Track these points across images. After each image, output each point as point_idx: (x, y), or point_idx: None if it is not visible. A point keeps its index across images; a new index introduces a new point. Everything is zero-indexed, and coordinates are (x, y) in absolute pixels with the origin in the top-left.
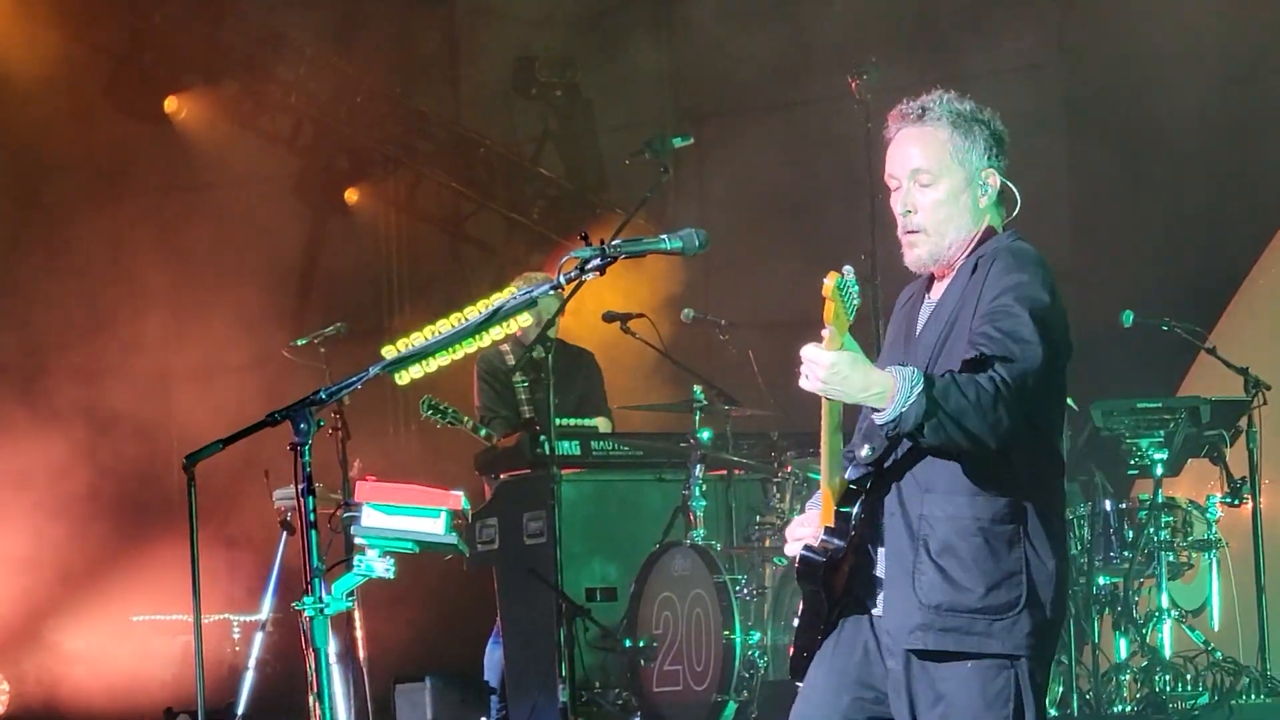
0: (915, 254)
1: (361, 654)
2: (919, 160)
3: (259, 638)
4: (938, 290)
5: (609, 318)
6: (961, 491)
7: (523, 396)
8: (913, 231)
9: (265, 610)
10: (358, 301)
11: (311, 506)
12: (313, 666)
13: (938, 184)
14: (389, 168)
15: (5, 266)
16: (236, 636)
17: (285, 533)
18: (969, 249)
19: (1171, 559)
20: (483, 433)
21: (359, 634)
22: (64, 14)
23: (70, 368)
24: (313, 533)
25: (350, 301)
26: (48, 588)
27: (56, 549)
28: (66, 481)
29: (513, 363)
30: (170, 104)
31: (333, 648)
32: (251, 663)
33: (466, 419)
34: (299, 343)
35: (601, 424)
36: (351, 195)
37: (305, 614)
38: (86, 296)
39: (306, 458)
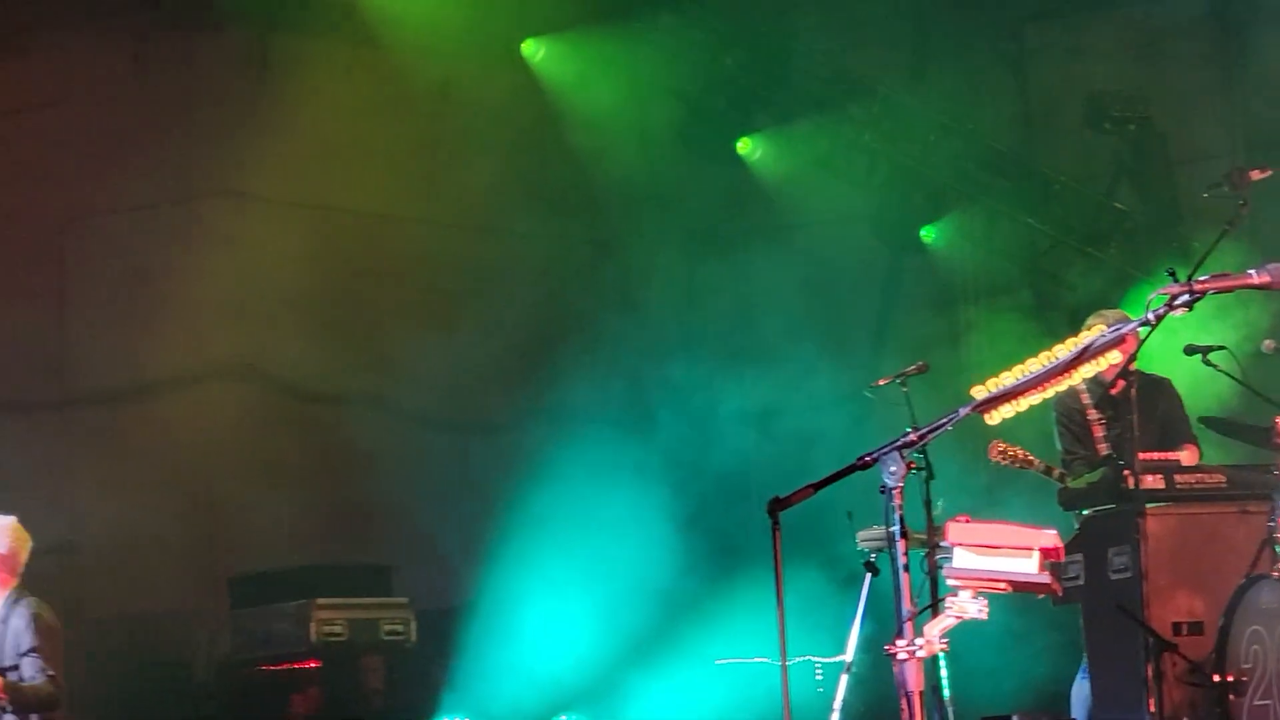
0: None
1: (946, 692)
2: None
3: (844, 680)
4: None
5: (1190, 350)
6: None
7: (1100, 434)
8: None
9: (850, 652)
10: (934, 338)
11: (904, 549)
12: (905, 709)
13: None
14: (964, 205)
15: (582, 301)
16: (819, 678)
17: (869, 574)
18: None
19: None
20: (1055, 475)
21: (943, 672)
22: (637, 58)
23: (651, 410)
24: (906, 575)
25: (927, 339)
26: (634, 630)
27: (646, 592)
28: (654, 524)
29: (1089, 401)
30: (744, 145)
31: (920, 688)
32: (837, 705)
33: (1037, 462)
34: (880, 382)
35: (1186, 453)
36: (928, 233)
37: (898, 657)
38: (661, 335)
39: (899, 500)
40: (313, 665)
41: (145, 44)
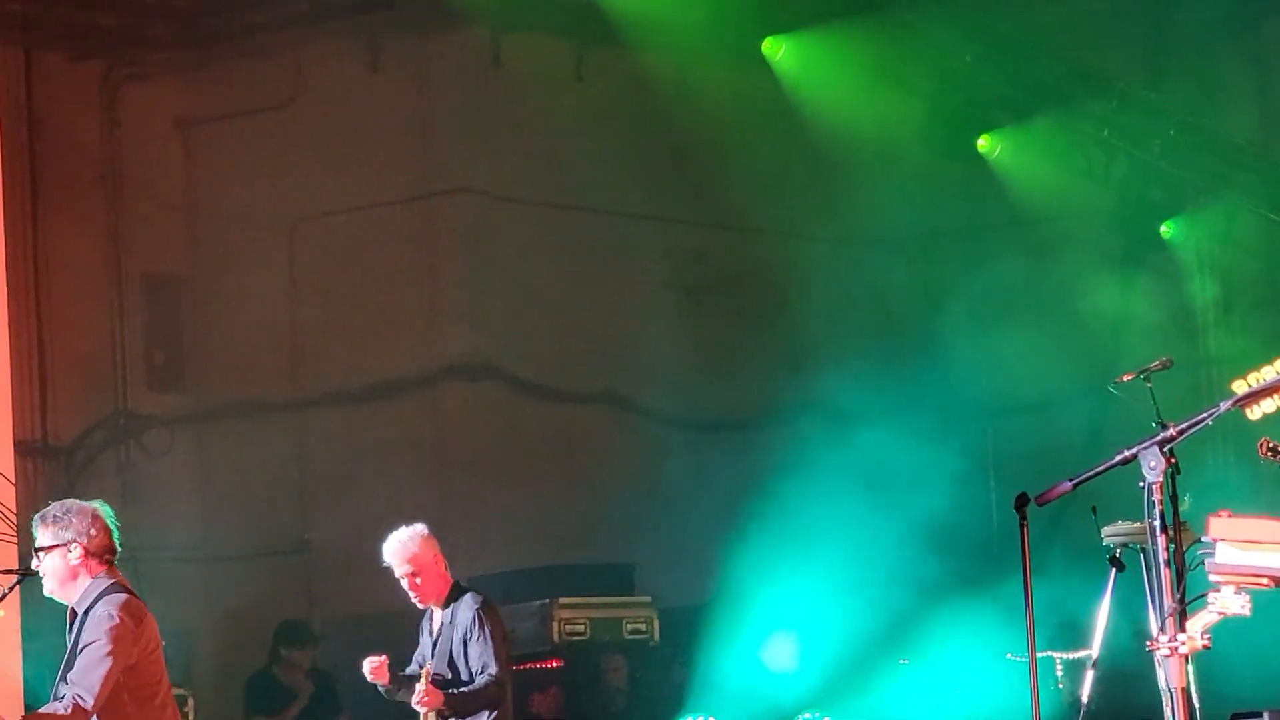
0: None
1: (1193, 688)
2: None
3: (1089, 675)
4: None
5: None
6: None
7: None
8: None
9: (1094, 647)
10: (1174, 333)
11: (1165, 545)
12: (1167, 706)
13: None
14: (1203, 199)
15: (821, 297)
16: (1059, 674)
17: (1114, 569)
18: None
19: None
20: None
21: (1189, 667)
22: (877, 55)
23: (887, 405)
24: (1167, 571)
25: (1167, 333)
26: (879, 626)
27: (891, 587)
28: (896, 520)
29: None
30: (983, 143)
31: (1183, 684)
32: (1082, 700)
33: None
34: (1124, 378)
35: None
36: (1168, 228)
37: (1160, 653)
38: (899, 330)
39: (1159, 495)
40: (554, 665)
41: (379, 43)
